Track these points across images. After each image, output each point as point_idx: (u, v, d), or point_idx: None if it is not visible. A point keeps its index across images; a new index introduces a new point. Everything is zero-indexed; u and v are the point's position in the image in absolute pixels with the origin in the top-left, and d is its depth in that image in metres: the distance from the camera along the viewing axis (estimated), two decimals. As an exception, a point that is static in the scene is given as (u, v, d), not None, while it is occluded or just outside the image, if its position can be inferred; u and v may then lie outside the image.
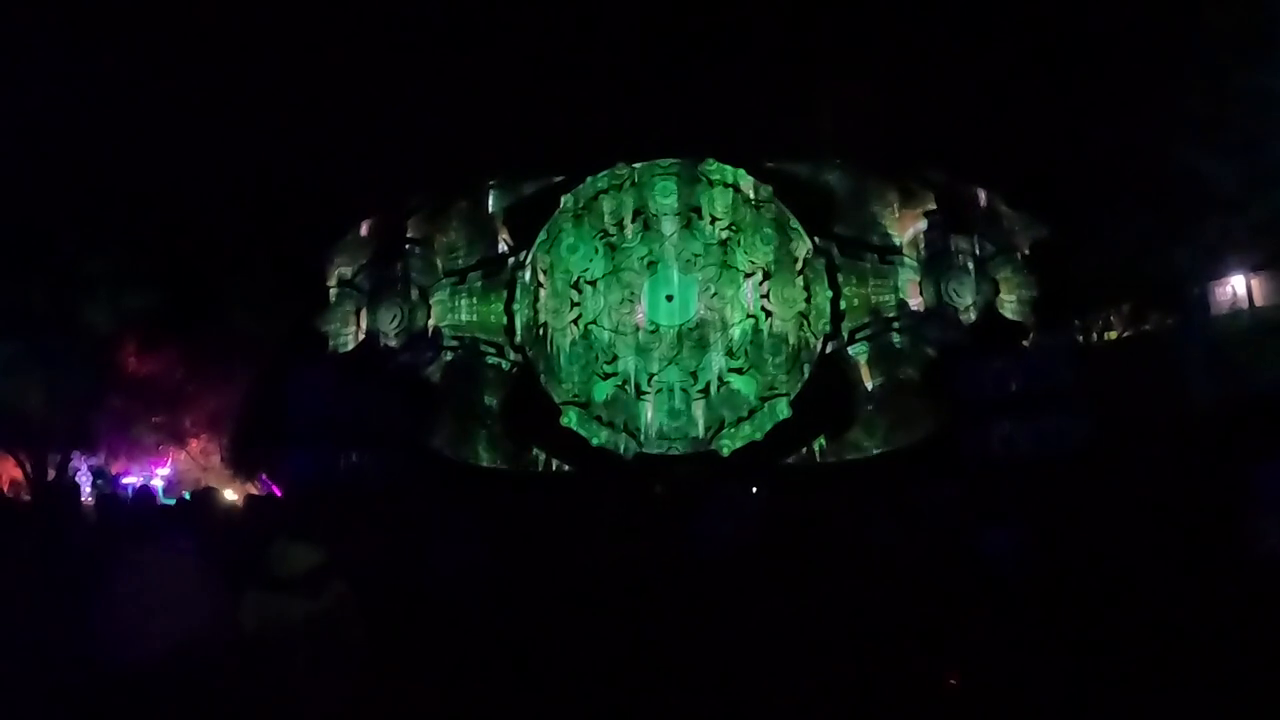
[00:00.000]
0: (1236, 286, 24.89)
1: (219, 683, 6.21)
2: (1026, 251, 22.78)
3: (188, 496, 20.83)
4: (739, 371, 23.01)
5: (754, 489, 19.58)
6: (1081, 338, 24.43)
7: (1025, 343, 22.15)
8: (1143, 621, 6.87)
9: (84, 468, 27.98)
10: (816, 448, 22.36)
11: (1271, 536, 7.48)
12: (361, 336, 23.90)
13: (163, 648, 6.12)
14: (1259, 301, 24.72)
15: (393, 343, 23.63)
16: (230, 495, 24.97)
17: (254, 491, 24.06)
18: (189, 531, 9.41)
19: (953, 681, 6.91)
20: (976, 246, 22.79)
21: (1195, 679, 6.19)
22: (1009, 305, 22.55)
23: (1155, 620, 6.81)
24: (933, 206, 23.02)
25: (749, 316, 23.19)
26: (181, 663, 6.13)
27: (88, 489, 26.50)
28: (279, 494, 23.22)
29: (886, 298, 22.97)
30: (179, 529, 9.88)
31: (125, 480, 27.89)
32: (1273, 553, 7.38)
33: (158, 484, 27.69)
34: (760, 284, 23.31)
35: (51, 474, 25.79)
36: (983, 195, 23.11)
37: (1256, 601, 6.76)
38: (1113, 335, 25.49)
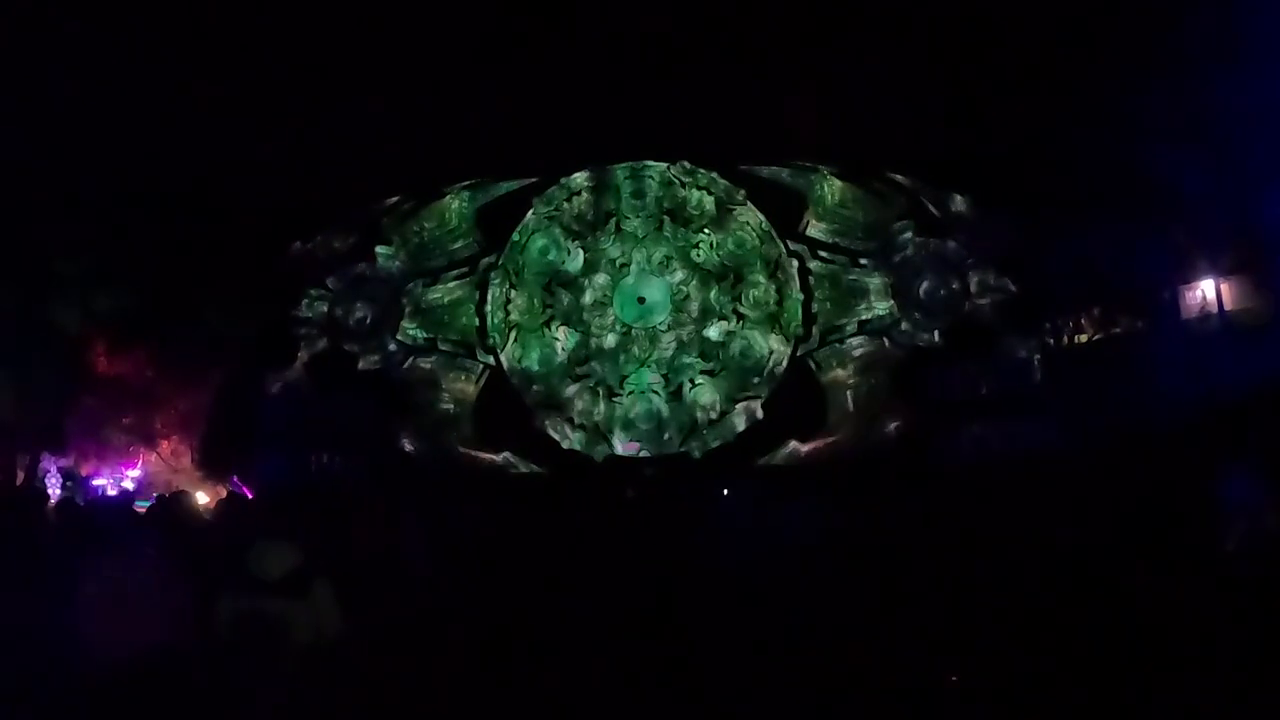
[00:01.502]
0: (1207, 291, 25.09)
1: (196, 688, 6.18)
2: (1000, 255, 22.82)
3: (154, 499, 20.84)
4: (711, 374, 23.06)
5: (724, 491, 19.74)
6: (1054, 341, 24.55)
7: (998, 346, 22.24)
8: (1114, 623, 6.90)
9: (53, 469, 27.78)
10: (788, 450, 22.44)
11: (1241, 539, 7.54)
12: (332, 338, 23.81)
13: (137, 653, 6.09)
14: (1229, 306, 24.92)
15: (363, 344, 23.57)
16: (202, 497, 24.85)
17: (225, 494, 23.96)
18: (162, 535, 9.37)
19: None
20: (950, 250, 22.86)
21: (1165, 682, 6.22)
22: (982, 309, 22.61)
23: (1126, 622, 6.85)
24: (906, 210, 23.09)
25: (720, 319, 23.24)
26: (159, 669, 6.10)
27: (57, 491, 26.34)
28: (250, 496, 23.17)
29: (859, 301, 23.05)
30: (152, 533, 9.85)
31: (95, 482, 27.72)
32: (1243, 555, 7.44)
33: (129, 485, 27.53)
34: (732, 286, 23.36)
35: (20, 476, 25.61)
36: (957, 199, 23.17)
37: (1226, 605, 6.81)
38: (1084, 339, 25.60)
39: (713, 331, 23.20)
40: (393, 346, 23.55)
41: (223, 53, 22.30)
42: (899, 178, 23.36)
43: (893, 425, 22.22)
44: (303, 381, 23.41)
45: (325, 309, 23.91)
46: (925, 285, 22.68)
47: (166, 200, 23.32)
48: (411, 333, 23.69)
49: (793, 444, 22.44)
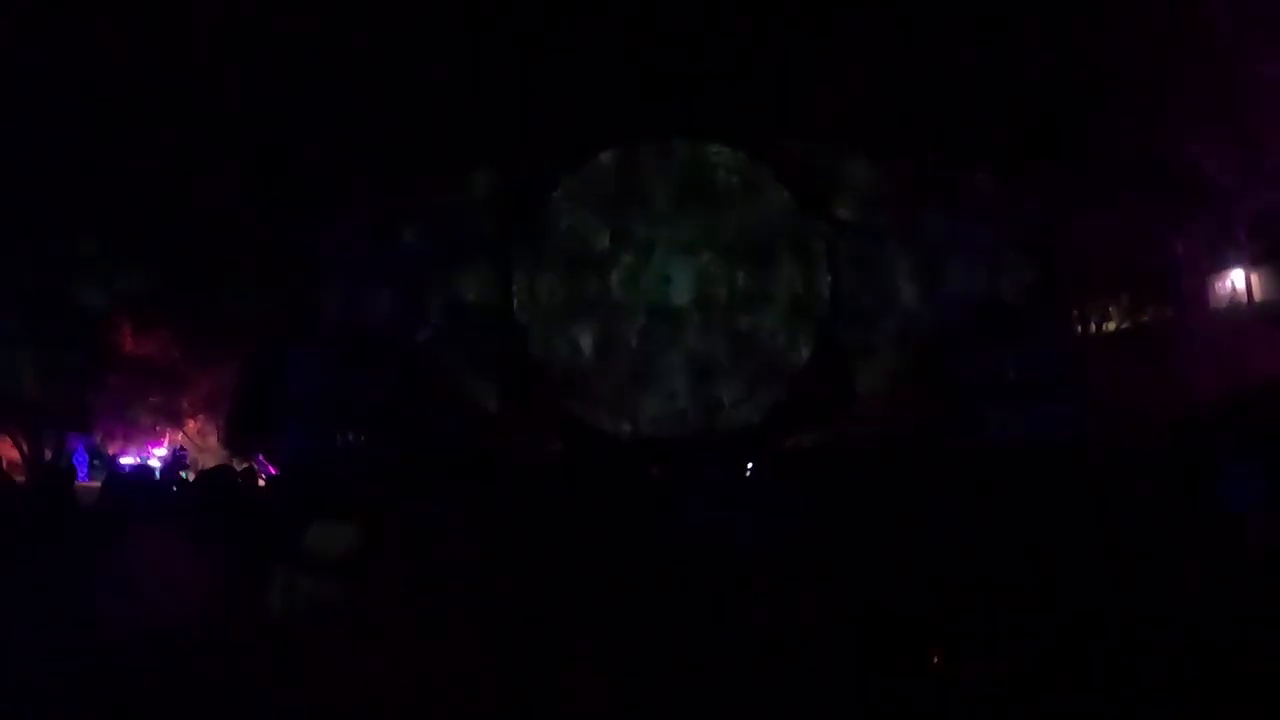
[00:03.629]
0: (1236, 280, 24.94)
1: (225, 668, 6.18)
2: (1029, 239, 22.71)
3: (185, 476, 21.05)
4: (737, 353, 23.01)
5: (748, 471, 19.78)
6: (1081, 326, 24.45)
7: (1026, 330, 22.11)
8: (1134, 612, 6.85)
9: (81, 448, 27.92)
10: (814, 431, 22.40)
11: (1264, 530, 7.48)
12: (358, 316, 23.81)
13: (169, 629, 6.10)
14: (1258, 295, 24.77)
15: (390, 321, 23.58)
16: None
17: (249, 472, 24.04)
18: (194, 511, 9.42)
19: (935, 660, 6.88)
20: (977, 232, 22.75)
21: (1180, 675, 6.18)
22: (1009, 291, 22.51)
23: (1146, 611, 6.80)
24: (934, 190, 22.98)
25: (747, 299, 23.18)
26: (191, 646, 6.11)
27: (85, 469, 26.48)
28: (275, 474, 23.25)
29: (885, 281, 22.97)
30: (185, 508, 9.90)
31: (124, 460, 27.82)
32: (1265, 545, 7.38)
33: (154, 464, 27.63)
34: (759, 267, 23.30)
35: (48, 454, 25.76)
36: (985, 180, 23.05)
37: (1249, 595, 6.75)
38: (1111, 325, 25.48)
39: (740, 311, 23.15)
40: (419, 324, 23.54)
41: (248, 32, 22.35)
42: (929, 157, 23.24)
43: (919, 407, 22.15)
44: (328, 361, 23.41)
45: (352, 286, 23.90)
46: (954, 268, 22.61)
47: (191, 178, 23.40)
48: (438, 310, 23.67)
49: (818, 425, 22.41)
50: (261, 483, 21.86)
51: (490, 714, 6.54)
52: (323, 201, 24.16)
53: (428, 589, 7.77)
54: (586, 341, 23.40)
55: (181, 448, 27.35)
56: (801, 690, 6.58)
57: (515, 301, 23.66)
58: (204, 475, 12.33)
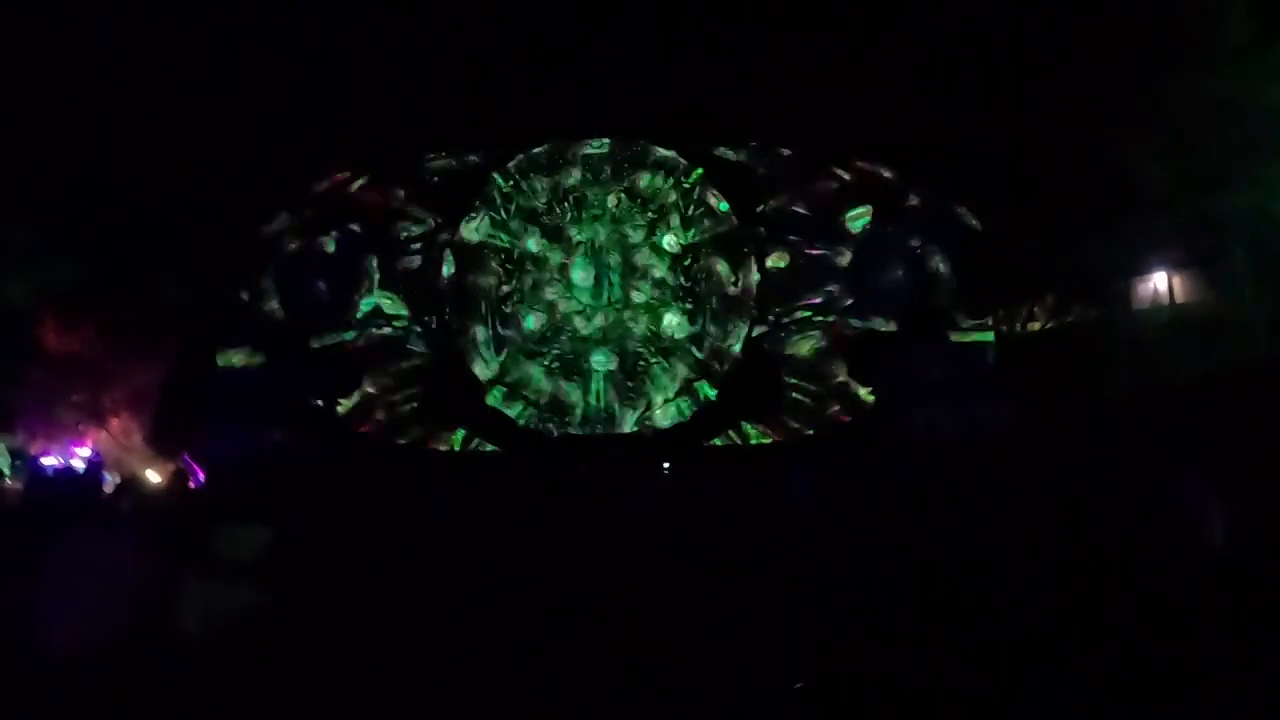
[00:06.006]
0: (1159, 283, 25.32)
1: (158, 672, 6.10)
2: (955, 241, 22.92)
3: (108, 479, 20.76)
4: (666, 353, 23.08)
5: (666, 468, 19.99)
6: (1006, 327, 24.72)
7: (951, 331, 22.35)
8: (1055, 612, 6.90)
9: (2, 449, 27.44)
10: (743, 430, 22.54)
11: (1185, 530, 7.58)
12: (287, 314, 23.60)
13: (97, 637, 6.01)
14: (1180, 298, 25.17)
15: (318, 321, 23.39)
16: (153, 476, 24.64)
17: (176, 471, 23.77)
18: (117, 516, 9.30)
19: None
20: (907, 236, 22.95)
21: (1102, 673, 6.23)
22: (937, 294, 22.72)
23: (1067, 612, 6.85)
24: (865, 195, 23.15)
25: (677, 299, 23.26)
26: (121, 653, 6.02)
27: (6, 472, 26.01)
28: (201, 474, 23.00)
29: (815, 284, 23.11)
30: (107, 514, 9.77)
31: (45, 461, 27.34)
32: (1187, 546, 7.48)
33: (78, 464, 27.19)
34: (689, 266, 23.38)
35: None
36: (915, 185, 23.25)
37: (1170, 594, 6.83)
38: (1036, 326, 25.77)
39: (670, 312, 23.21)
40: (347, 323, 23.39)
41: (186, 19, 22.09)
42: (859, 163, 23.41)
43: (845, 408, 22.36)
44: (256, 359, 23.21)
45: (280, 285, 23.71)
46: (881, 270, 22.81)
47: (120, 170, 23.06)
48: (366, 309, 23.54)
49: (747, 422, 22.57)
50: (191, 485, 21.79)
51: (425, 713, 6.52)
52: (254, 195, 23.89)
53: (349, 590, 7.72)
54: (515, 340, 23.33)
55: (97, 451, 26.94)
56: (741, 688, 6.60)
57: (445, 299, 23.52)
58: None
